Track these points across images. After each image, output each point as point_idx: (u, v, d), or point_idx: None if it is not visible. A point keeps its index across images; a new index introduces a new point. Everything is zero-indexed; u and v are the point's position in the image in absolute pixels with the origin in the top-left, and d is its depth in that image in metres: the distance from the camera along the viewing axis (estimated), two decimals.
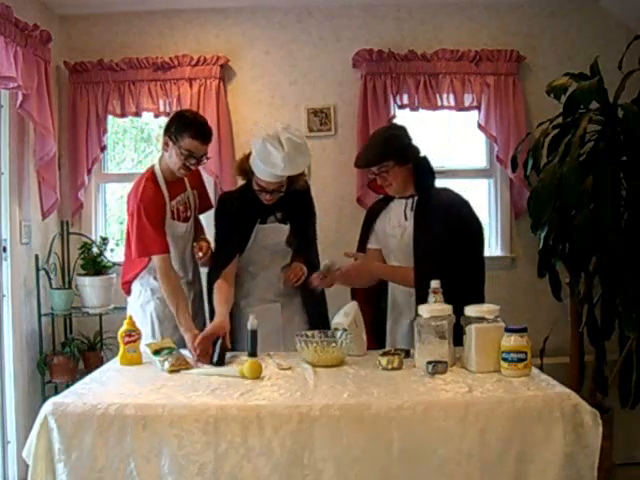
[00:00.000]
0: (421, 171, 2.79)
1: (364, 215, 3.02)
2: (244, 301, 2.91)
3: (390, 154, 2.70)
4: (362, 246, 2.94)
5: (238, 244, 2.86)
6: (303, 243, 2.94)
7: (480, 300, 2.60)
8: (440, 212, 2.70)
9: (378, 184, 2.82)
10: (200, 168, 3.09)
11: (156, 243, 2.79)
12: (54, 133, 3.59)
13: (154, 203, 2.81)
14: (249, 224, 2.86)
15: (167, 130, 2.83)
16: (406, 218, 2.77)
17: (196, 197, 3.04)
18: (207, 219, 3.17)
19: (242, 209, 2.87)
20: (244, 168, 2.86)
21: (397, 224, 2.80)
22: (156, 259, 2.80)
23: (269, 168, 2.70)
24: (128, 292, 3.01)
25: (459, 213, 2.76)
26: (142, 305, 2.94)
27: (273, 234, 2.90)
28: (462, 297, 2.39)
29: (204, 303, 3.07)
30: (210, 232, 3.05)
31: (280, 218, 2.90)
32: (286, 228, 2.90)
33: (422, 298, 2.44)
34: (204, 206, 3.13)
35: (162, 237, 2.80)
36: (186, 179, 2.97)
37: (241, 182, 3.01)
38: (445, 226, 2.66)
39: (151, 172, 2.90)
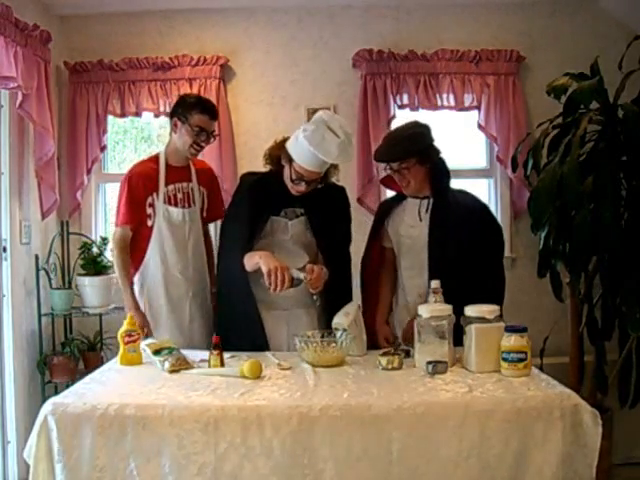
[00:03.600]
0: (439, 172, 2.75)
1: (375, 212, 3.02)
2: None
3: (415, 152, 2.66)
4: (371, 244, 2.91)
5: (250, 233, 2.67)
6: (326, 244, 2.75)
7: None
8: (460, 215, 2.67)
9: (395, 181, 2.76)
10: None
11: (121, 214, 2.92)
12: (53, 133, 3.58)
13: (141, 177, 2.93)
14: (265, 213, 2.70)
15: (174, 113, 2.97)
16: (420, 219, 2.75)
17: (204, 196, 3.08)
18: None
19: (263, 194, 2.72)
20: (276, 155, 2.69)
21: (411, 225, 2.77)
22: (115, 230, 2.96)
23: (321, 154, 2.53)
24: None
25: (482, 218, 2.75)
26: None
27: (280, 229, 2.72)
28: (481, 301, 2.36)
29: (198, 305, 3.04)
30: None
31: (297, 214, 2.73)
32: (292, 224, 2.72)
33: None
34: (214, 214, 3.15)
35: (131, 211, 2.89)
36: (194, 173, 3.01)
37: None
38: (466, 230, 2.64)
39: (155, 154, 3.04)
